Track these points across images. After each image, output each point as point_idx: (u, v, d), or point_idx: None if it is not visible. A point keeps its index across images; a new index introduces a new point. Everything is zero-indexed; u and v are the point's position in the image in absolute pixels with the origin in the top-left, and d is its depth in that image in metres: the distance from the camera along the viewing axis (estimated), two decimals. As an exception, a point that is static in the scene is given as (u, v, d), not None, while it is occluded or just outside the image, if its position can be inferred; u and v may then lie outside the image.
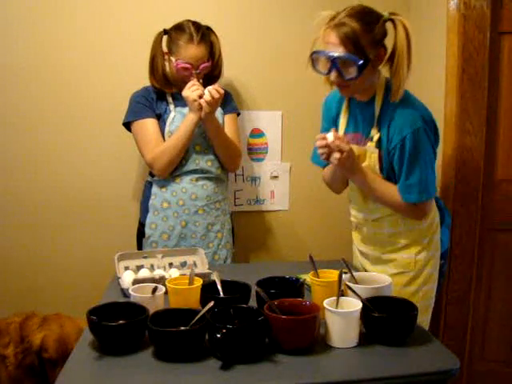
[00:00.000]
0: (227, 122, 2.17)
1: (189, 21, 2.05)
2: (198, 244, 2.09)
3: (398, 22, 1.56)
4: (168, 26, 2.07)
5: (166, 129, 2.07)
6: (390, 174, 1.72)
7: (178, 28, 2.03)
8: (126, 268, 1.79)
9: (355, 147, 1.71)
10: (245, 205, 2.56)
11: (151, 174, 2.14)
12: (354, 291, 1.40)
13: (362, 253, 1.93)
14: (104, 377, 1.20)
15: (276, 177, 2.57)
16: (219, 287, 1.48)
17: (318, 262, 1.56)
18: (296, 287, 1.51)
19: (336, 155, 1.58)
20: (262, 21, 2.44)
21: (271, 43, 2.45)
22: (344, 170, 1.68)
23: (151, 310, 1.33)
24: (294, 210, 2.61)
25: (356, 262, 1.99)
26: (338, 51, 1.55)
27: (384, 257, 1.83)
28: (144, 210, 2.15)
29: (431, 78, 2.31)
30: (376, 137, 1.68)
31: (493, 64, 2.17)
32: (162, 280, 1.62)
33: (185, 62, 2.00)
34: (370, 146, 1.70)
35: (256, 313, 1.31)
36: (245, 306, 1.39)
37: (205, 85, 2.04)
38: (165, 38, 2.08)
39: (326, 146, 1.59)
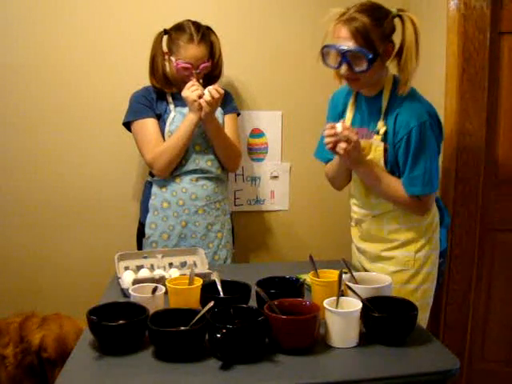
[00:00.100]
0: (227, 122, 2.17)
1: (189, 21, 2.05)
2: (198, 244, 2.09)
3: (406, 17, 1.61)
4: (168, 26, 2.07)
5: (166, 129, 2.07)
6: (394, 168, 1.74)
7: (178, 28, 2.03)
8: (126, 268, 1.79)
9: (361, 140, 1.72)
10: (245, 205, 2.56)
11: (151, 174, 2.14)
12: (354, 291, 1.40)
13: (360, 250, 1.94)
14: (104, 377, 1.19)
15: (276, 177, 2.57)
16: (219, 287, 1.48)
17: (317, 262, 1.56)
18: (296, 287, 1.51)
19: (342, 145, 1.62)
20: (262, 21, 2.44)
21: (271, 43, 2.45)
22: (349, 160, 1.70)
23: (151, 310, 1.33)
24: (294, 210, 2.61)
25: (354, 260, 1.99)
26: (348, 45, 1.59)
27: (383, 254, 1.83)
28: (144, 209, 2.15)
29: (431, 77, 2.31)
30: (382, 130, 1.71)
31: (493, 64, 2.17)
32: (162, 280, 1.62)
33: (185, 62, 2.00)
34: (376, 139, 1.73)
35: (256, 313, 1.31)
36: (245, 305, 1.39)
37: (205, 85, 2.04)
38: (165, 37, 2.08)
39: (334, 135, 1.62)
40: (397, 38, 1.66)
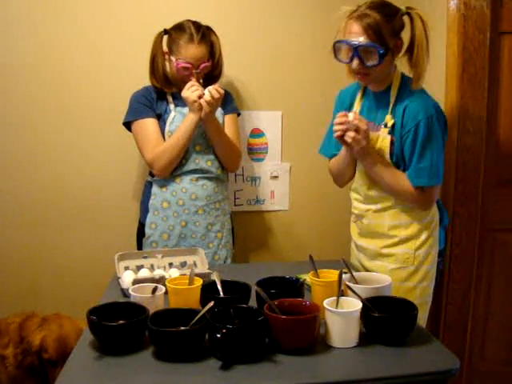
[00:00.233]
0: (227, 123, 2.17)
1: (189, 21, 2.05)
2: (198, 244, 2.09)
3: (415, 15, 1.67)
4: (168, 25, 2.07)
5: (166, 129, 2.07)
6: (399, 161, 1.76)
7: (179, 28, 2.03)
8: (126, 268, 1.79)
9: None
10: (245, 205, 2.56)
11: (151, 174, 2.14)
12: (353, 291, 1.40)
13: (359, 248, 1.94)
14: (104, 377, 1.19)
15: (276, 177, 2.57)
16: (219, 287, 1.48)
17: (317, 262, 1.56)
18: (296, 287, 1.51)
19: (351, 134, 1.67)
20: (262, 21, 2.43)
21: (271, 43, 2.45)
22: (357, 150, 1.72)
23: (151, 310, 1.33)
24: (294, 210, 2.61)
25: (353, 258, 2.00)
26: (360, 40, 1.64)
27: (383, 251, 1.85)
28: (144, 209, 2.15)
29: (431, 77, 2.30)
30: (390, 123, 1.75)
31: (493, 64, 2.17)
32: (162, 280, 1.62)
33: (185, 62, 2.00)
34: (383, 131, 1.76)
35: (256, 313, 1.31)
36: (245, 305, 1.39)
37: (205, 85, 2.04)
38: (165, 37, 2.08)
39: (344, 123, 1.68)
40: (405, 36, 1.71)
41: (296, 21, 2.45)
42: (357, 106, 1.88)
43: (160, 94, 2.10)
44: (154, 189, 2.12)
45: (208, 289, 1.49)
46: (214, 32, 2.10)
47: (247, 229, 2.55)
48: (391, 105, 1.76)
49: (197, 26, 2.03)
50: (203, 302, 1.41)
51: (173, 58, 2.04)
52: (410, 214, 1.80)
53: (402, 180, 1.75)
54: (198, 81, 2.03)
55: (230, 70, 2.27)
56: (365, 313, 1.33)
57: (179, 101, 2.07)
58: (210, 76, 2.13)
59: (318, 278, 1.51)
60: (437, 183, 1.75)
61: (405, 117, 1.71)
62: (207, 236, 2.13)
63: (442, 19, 2.21)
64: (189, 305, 1.40)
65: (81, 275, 2.42)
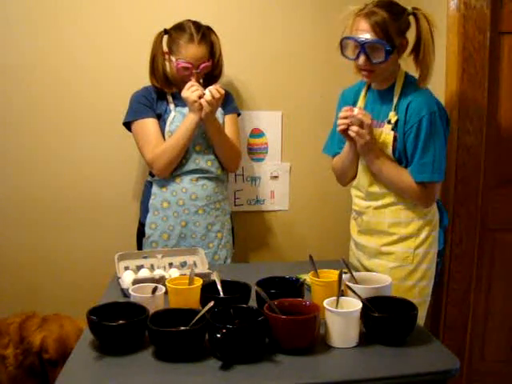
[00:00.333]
0: (227, 123, 2.17)
1: (189, 20, 2.05)
2: (198, 244, 2.09)
3: (421, 15, 1.71)
4: (168, 25, 2.07)
5: (166, 129, 2.07)
6: (401, 157, 1.78)
7: (179, 28, 2.03)
8: (126, 268, 1.79)
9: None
10: (245, 205, 2.56)
11: (151, 174, 2.14)
12: (353, 291, 1.40)
13: (358, 246, 1.95)
14: (104, 377, 1.19)
15: (276, 177, 2.57)
16: (219, 287, 1.48)
17: (317, 262, 1.56)
18: (296, 287, 1.51)
19: (355, 128, 1.71)
20: (262, 21, 2.43)
21: (271, 43, 2.45)
22: (360, 145, 1.74)
23: (151, 310, 1.33)
24: (294, 210, 2.61)
25: (352, 258, 2.01)
26: (367, 37, 1.67)
27: (383, 249, 1.86)
28: (144, 209, 2.15)
29: (431, 77, 2.30)
30: (393, 119, 1.76)
31: (493, 64, 2.17)
32: (162, 280, 1.62)
33: (185, 62, 2.00)
34: (387, 127, 1.78)
35: (256, 313, 1.31)
36: (245, 305, 1.39)
37: (205, 85, 2.04)
38: (165, 37, 2.08)
39: (349, 117, 1.71)
40: (409, 36, 1.75)
41: (296, 21, 2.45)
42: (360, 104, 1.89)
43: (160, 94, 2.10)
44: (154, 189, 2.12)
45: (208, 289, 1.49)
46: (214, 32, 2.10)
47: (247, 229, 2.55)
48: (395, 102, 1.79)
49: (197, 25, 2.03)
50: (203, 302, 1.41)
51: (173, 58, 2.04)
52: (410, 212, 1.81)
53: (404, 176, 1.76)
54: (197, 81, 2.04)
55: (230, 69, 2.27)
56: (365, 313, 1.33)
57: (179, 101, 2.07)
58: (210, 76, 2.13)
59: (318, 277, 1.51)
60: (439, 179, 1.76)
61: (408, 113, 1.73)
62: (207, 236, 2.13)
63: (442, 19, 2.21)
64: (189, 305, 1.40)
65: (81, 275, 2.42)
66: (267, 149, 2.54)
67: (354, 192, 1.96)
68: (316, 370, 1.22)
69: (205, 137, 2.10)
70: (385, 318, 1.31)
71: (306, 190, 2.60)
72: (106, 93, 2.34)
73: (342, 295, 1.41)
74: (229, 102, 2.19)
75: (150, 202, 2.12)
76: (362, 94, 1.91)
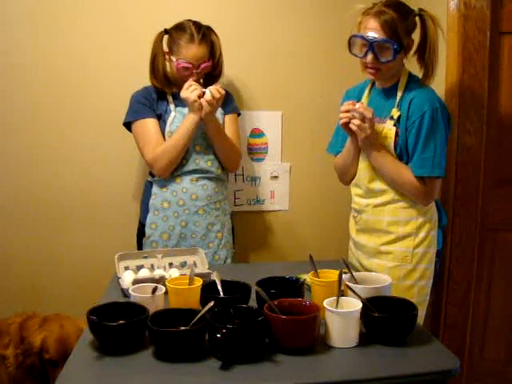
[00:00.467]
0: (227, 123, 2.17)
1: (189, 20, 2.05)
2: (198, 244, 2.09)
3: (427, 16, 1.75)
4: (168, 25, 2.07)
5: (167, 129, 2.07)
6: (402, 153, 1.79)
7: (179, 28, 2.03)
8: (126, 268, 1.79)
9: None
10: (245, 205, 2.56)
11: (151, 174, 2.14)
12: (353, 291, 1.40)
13: (357, 245, 1.96)
14: (104, 377, 1.20)
15: (276, 177, 2.57)
16: (219, 287, 1.48)
17: (317, 262, 1.56)
18: (296, 287, 1.51)
19: (356, 121, 1.74)
20: (262, 21, 2.44)
21: (271, 43, 2.45)
22: (362, 138, 1.76)
23: (151, 310, 1.33)
24: (294, 210, 2.61)
25: (351, 258, 2.01)
26: (376, 35, 1.70)
27: (382, 249, 1.86)
28: (144, 209, 2.15)
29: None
30: (396, 115, 1.78)
31: (493, 64, 2.17)
32: (162, 280, 1.62)
33: (186, 62, 2.00)
34: (389, 123, 1.79)
35: (256, 313, 1.31)
36: (245, 305, 1.39)
37: (205, 85, 2.04)
38: (165, 37, 2.08)
39: (351, 111, 1.74)
40: (414, 36, 1.79)
41: (296, 21, 2.45)
42: (364, 101, 1.91)
43: (160, 94, 2.10)
44: (155, 189, 2.12)
45: (208, 289, 1.49)
46: (214, 32, 2.10)
47: (247, 229, 2.55)
48: (398, 99, 1.81)
49: (197, 25, 2.03)
50: (203, 302, 1.41)
51: (173, 58, 2.04)
52: (409, 211, 1.82)
53: (404, 171, 1.78)
54: (197, 81, 2.03)
55: (230, 69, 2.27)
56: (365, 313, 1.33)
57: (179, 101, 2.07)
58: (211, 76, 2.13)
59: (318, 277, 1.51)
60: (439, 174, 1.77)
61: (410, 108, 1.76)
62: (207, 236, 2.13)
63: (442, 19, 2.20)
64: (189, 305, 1.40)
65: (81, 275, 2.42)
66: (267, 149, 2.54)
67: (353, 190, 1.97)
68: (316, 370, 1.22)
69: (205, 137, 2.10)
70: (385, 318, 1.31)
71: (306, 190, 2.60)
72: (107, 93, 2.34)
73: (342, 295, 1.41)
74: (229, 101, 2.19)
75: (151, 201, 2.12)
76: (366, 92, 1.93)
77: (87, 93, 2.34)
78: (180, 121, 2.06)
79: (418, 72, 1.86)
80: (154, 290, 1.45)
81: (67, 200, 2.39)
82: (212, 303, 1.30)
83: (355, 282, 1.49)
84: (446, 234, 2.19)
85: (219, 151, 2.12)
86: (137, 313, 1.32)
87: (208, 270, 1.79)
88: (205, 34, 2.03)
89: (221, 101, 2.00)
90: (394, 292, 1.52)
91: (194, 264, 1.89)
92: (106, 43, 2.31)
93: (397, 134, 1.78)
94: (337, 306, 1.35)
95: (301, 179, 2.59)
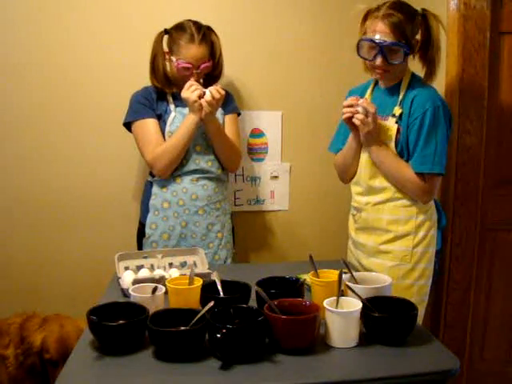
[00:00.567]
0: (227, 123, 2.17)
1: (189, 20, 2.04)
2: (198, 244, 2.09)
3: (431, 15, 1.77)
4: (168, 25, 2.07)
5: (167, 129, 2.07)
6: (403, 150, 1.80)
7: (179, 28, 2.03)
8: (126, 268, 1.79)
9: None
10: (245, 205, 2.56)
11: (151, 174, 2.14)
12: (353, 291, 1.40)
13: (357, 245, 1.96)
14: (104, 377, 1.20)
15: (276, 177, 2.57)
16: (219, 287, 1.48)
17: (317, 262, 1.56)
18: (296, 287, 1.51)
19: (360, 116, 1.75)
20: (262, 21, 2.43)
21: (272, 43, 2.45)
22: (364, 133, 1.78)
23: (151, 310, 1.33)
24: (294, 210, 2.61)
25: (351, 257, 2.01)
26: (386, 39, 1.71)
27: (381, 248, 1.86)
28: (144, 209, 2.15)
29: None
30: (398, 113, 1.80)
31: (493, 64, 2.17)
32: (162, 280, 1.62)
33: (186, 62, 2.00)
34: (391, 120, 1.81)
35: (256, 313, 1.31)
36: (245, 305, 1.39)
37: (205, 85, 2.04)
38: (165, 37, 2.08)
39: (354, 105, 1.76)
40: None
41: (296, 21, 2.45)
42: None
43: (160, 94, 2.10)
44: (155, 189, 2.12)
45: (208, 289, 1.49)
46: (214, 32, 2.10)
47: (247, 229, 2.55)
48: (400, 97, 1.82)
49: (197, 26, 2.03)
50: (203, 302, 1.41)
51: (173, 58, 2.04)
52: (409, 210, 1.83)
53: (404, 168, 1.79)
54: (197, 81, 2.03)
55: (231, 69, 2.27)
56: (365, 313, 1.33)
57: (179, 101, 2.07)
58: (211, 76, 2.13)
59: (318, 277, 1.51)
60: (440, 171, 1.77)
61: (413, 106, 1.77)
62: (207, 236, 2.13)
63: (442, 19, 2.19)
64: (189, 305, 1.40)
65: (81, 275, 2.42)
66: (267, 149, 2.54)
67: (353, 188, 1.97)
68: (316, 370, 1.22)
69: (205, 137, 2.10)
70: (385, 318, 1.31)
71: (306, 190, 2.60)
72: (107, 93, 2.34)
73: (342, 295, 1.41)
74: (229, 101, 2.19)
75: (151, 202, 2.12)
76: (369, 91, 1.94)
77: (87, 93, 2.33)
78: (180, 121, 2.06)
79: (417, 70, 1.86)
80: (154, 289, 1.45)
81: (67, 200, 2.39)
82: (212, 303, 1.30)
83: (355, 281, 1.49)
84: (445, 233, 2.19)
85: (219, 151, 2.12)
86: (137, 313, 1.32)
87: (208, 270, 1.79)
88: (205, 34, 2.03)
89: (221, 101, 2.00)
90: (394, 291, 1.52)
91: (194, 264, 1.89)
92: (105, 43, 2.31)
93: (398, 131, 1.79)
94: (337, 306, 1.35)
95: (301, 179, 2.59)
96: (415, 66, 1.86)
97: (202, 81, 2.10)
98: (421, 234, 1.83)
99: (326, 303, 1.33)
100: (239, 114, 2.28)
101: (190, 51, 2.00)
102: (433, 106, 1.74)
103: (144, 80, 2.11)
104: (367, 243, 1.91)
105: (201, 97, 1.96)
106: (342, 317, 1.30)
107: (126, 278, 1.67)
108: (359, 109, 1.75)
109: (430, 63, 1.79)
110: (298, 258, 2.40)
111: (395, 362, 1.25)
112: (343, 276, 1.45)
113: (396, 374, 1.21)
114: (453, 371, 1.23)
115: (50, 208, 2.38)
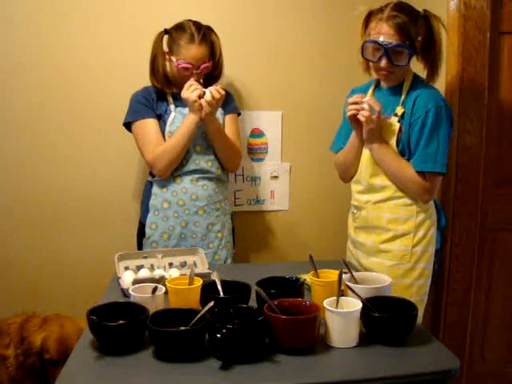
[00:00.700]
0: (228, 123, 2.17)
1: (189, 21, 2.04)
2: (198, 244, 2.09)
3: (433, 17, 1.78)
4: (168, 25, 2.07)
5: (167, 129, 2.07)
6: (404, 149, 1.81)
7: (179, 28, 2.03)
8: (126, 268, 1.79)
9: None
10: (245, 205, 2.56)
11: (152, 174, 2.14)
12: (353, 291, 1.40)
13: (356, 244, 1.96)
14: (104, 377, 1.20)
15: (276, 177, 2.57)
16: (219, 287, 1.48)
17: (317, 262, 1.56)
18: (296, 287, 1.51)
19: (365, 113, 1.76)
20: (262, 21, 2.43)
21: (272, 43, 2.45)
22: (367, 129, 1.78)
23: (151, 310, 1.33)
24: (294, 210, 2.61)
25: (350, 257, 2.01)
26: (391, 41, 1.72)
27: (381, 247, 1.86)
28: (144, 209, 2.15)
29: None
30: (400, 112, 1.80)
31: (493, 64, 2.17)
32: (162, 280, 1.62)
33: (186, 62, 2.00)
34: (393, 119, 1.82)
35: (256, 313, 1.31)
36: (245, 305, 1.39)
37: (205, 85, 2.04)
38: (165, 37, 2.08)
39: (359, 103, 1.77)
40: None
41: (296, 21, 2.45)
42: None
43: (160, 94, 2.10)
44: (155, 189, 2.12)
45: (208, 289, 1.49)
46: (214, 32, 2.10)
47: (247, 229, 2.55)
48: (403, 97, 1.82)
49: (197, 26, 2.03)
50: (203, 302, 1.41)
51: (173, 58, 2.04)
52: (409, 209, 1.83)
53: (405, 167, 1.79)
54: (197, 81, 2.03)
55: (231, 69, 2.27)
56: (365, 313, 1.33)
57: (179, 101, 2.07)
58: (211, 76, 2.13)
59: (318, 277, 1.51)
60: (441, 170, 1.77)
61: (415, 105, 1.78)
62: (207, 236, 2.13)
63: (443, 19, 2.20)
64: (189, 305, 1.40)
65: (81, 275, 2.42)
66: (267, 149, 2.54)
67: (354, 187, 1.97)
68: (316, 369, 1.22)
69: (205, 137, 2.10)
70: (385, 318, 1.31)
71: (306, 190, 2.60)
72: (107, 93, 2.34)
73: (342, 295, 1.41)
74: (229, 101, 2.19)
75: (151, 202, 2.12)
76: (370, 91, 1.94)
77: (87, 93, 2.33)
78: (180, 121, 2.06)
79: (417, 70, 1.86)
80: (154, 289, 1.45)
81: (67, 200, 2.39)
82: (212, 303, 1.30)
83: (355, 281, 1.49)
84: (445, 233, 2.19)
85: (219, 151, 2.12)
86: (137, 313, 1.32)
87: (208, 270, 1.79)
88: (205, 34, 2.02)
89: (221, 101, 2.00)
90: (393, 291, 1.52)
91: (194, 264, 1.89)
92: (105, 43, 2.31)
93: (400, 130, 1.80)
94: (337, 306, 1.35)
95: (301, 179, 2.59)
96: (415, 66, 1.87)
97: (202, 81, 2.10)
98: (420, 233, 1.84)
99: (326, 303, 1.33)
100: (239, 114, 2.28)
101: (190, 51, 2.00)
102: (435, 106, 1.75)
103: (144, 80, 2.11)
104: (366, 242, 1.91)
105: (201, 97, 1.96)
106: (341, 317, 1.30)
107: (126, 278, 1.67)
108: (365, 106, 1.76)
109: (432, 64, 1.80)
110: (298, 258, 2.40)
111: (395, 362, 1.25)
112: (343, 276, 1.45)
113: (396, 374, 1.21)
114: (453, 371, 1.23)
115: (50, 208, 2.38)
